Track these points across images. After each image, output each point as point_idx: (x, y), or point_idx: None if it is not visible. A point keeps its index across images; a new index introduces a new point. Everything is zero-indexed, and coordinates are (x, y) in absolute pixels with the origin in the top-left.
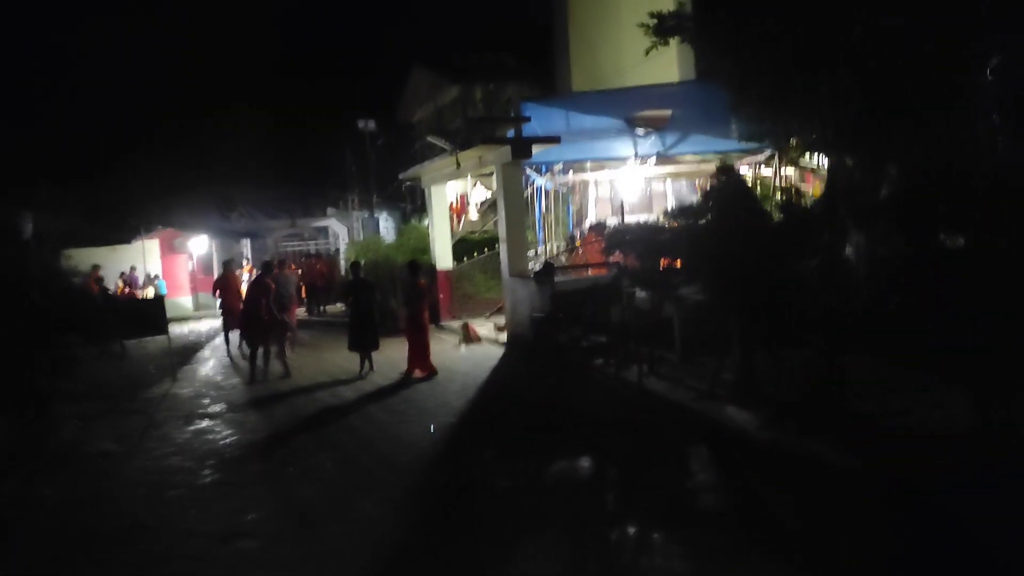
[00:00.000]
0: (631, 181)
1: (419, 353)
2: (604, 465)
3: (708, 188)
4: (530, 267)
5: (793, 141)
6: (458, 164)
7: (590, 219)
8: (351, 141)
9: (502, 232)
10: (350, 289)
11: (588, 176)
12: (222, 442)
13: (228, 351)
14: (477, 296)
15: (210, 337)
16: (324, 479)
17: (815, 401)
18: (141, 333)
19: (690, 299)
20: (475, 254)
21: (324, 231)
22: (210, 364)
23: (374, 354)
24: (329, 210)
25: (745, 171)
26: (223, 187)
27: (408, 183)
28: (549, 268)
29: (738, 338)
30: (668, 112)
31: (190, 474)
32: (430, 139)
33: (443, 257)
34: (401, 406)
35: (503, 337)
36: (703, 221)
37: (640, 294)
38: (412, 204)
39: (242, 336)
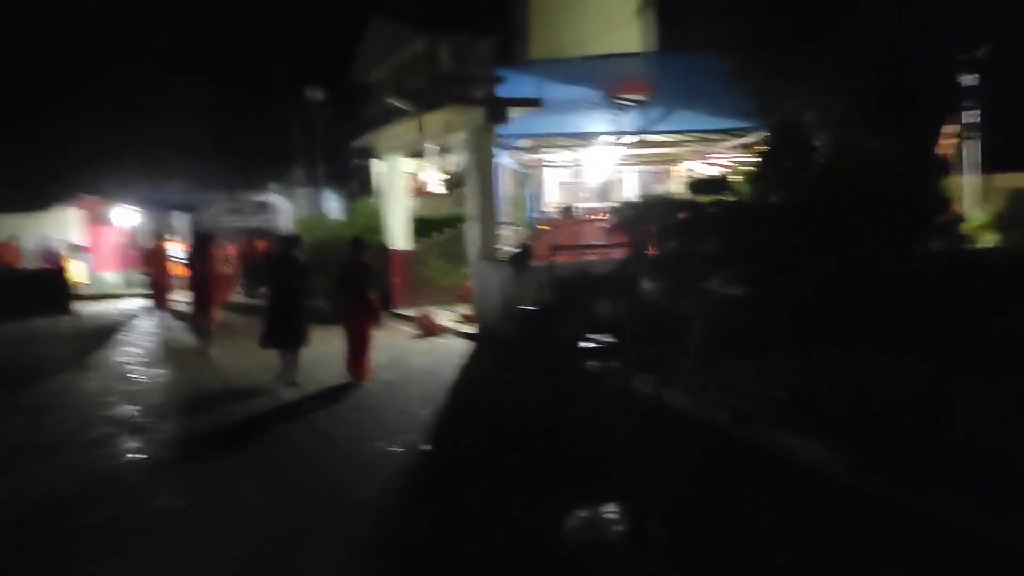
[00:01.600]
0: (599, 164)
1: (358, 349)
2: (643, 526)
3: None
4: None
5: (808, 116)
6: (421, 128)
7: (549, 204)
8: (297, 111)
9: (472, 208)
10: (274, 268)
11: (553, 155)
12: (120, 461)
13: (160, 331)
14: (435, 282)
15: (136, 317)
16: (250, 522)
17: (915, 429)
18: (40, 311)
19: (719, 293)
20: (432, 235)
21: (266, 206)
22: (128, 350)
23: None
24: (272, 185)
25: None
26: (156, 155)
27: (358, 160)
28: (526, 251)
29: (794, 340)
30: (650, 85)
31: (65, 513)
32: (389, 100)
33: (399, 236)
34: (354, 415)
35: (469, 329)
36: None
37: (649, 285)
38: (361, 182)
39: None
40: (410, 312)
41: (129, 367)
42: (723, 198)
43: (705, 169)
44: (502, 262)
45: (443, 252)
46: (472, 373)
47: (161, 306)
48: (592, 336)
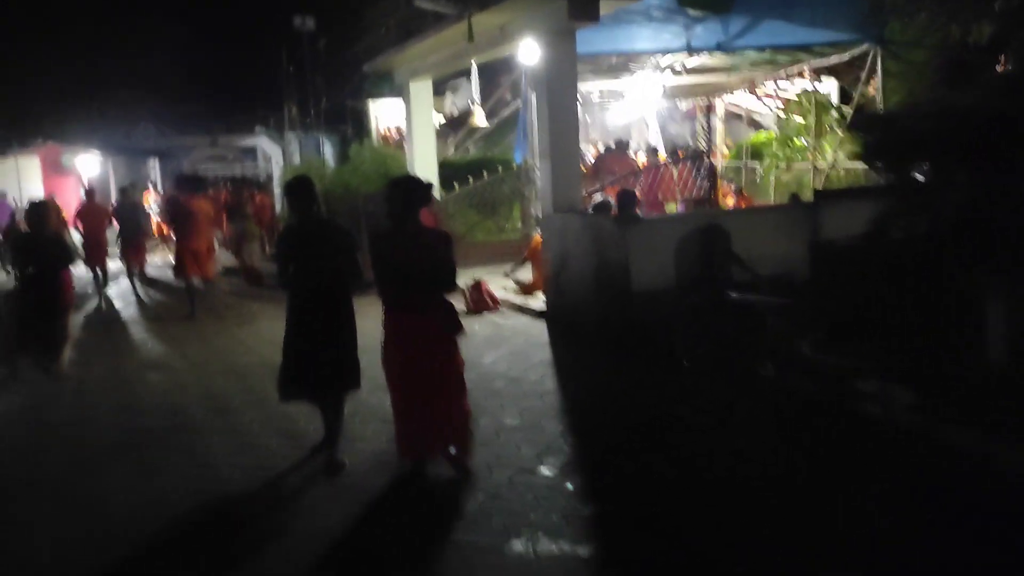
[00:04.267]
0: (641, 96)
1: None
2: None
3: None
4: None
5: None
6: (471, 35)
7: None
8: (286, 43)
9: (542, 143)
10: (292, 243)
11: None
12: None
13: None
14: (468, 240)
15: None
16: None
17: None
18: None
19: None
20: (455, 185)
21: (252, 152)
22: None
23: None
24: (257, 128)
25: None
26: (124, 96)
27: (352, 100)
28: (631, 198)
29: None
30: None
31: None
32: (420, 3)
33: None
34: (453, 495)
35: (534, 304)
36: None
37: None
38: (354, 126)
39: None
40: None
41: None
42: None
43: (750, 103)
44: (589, 215)
45: (474, 204)
46: (588, 381)
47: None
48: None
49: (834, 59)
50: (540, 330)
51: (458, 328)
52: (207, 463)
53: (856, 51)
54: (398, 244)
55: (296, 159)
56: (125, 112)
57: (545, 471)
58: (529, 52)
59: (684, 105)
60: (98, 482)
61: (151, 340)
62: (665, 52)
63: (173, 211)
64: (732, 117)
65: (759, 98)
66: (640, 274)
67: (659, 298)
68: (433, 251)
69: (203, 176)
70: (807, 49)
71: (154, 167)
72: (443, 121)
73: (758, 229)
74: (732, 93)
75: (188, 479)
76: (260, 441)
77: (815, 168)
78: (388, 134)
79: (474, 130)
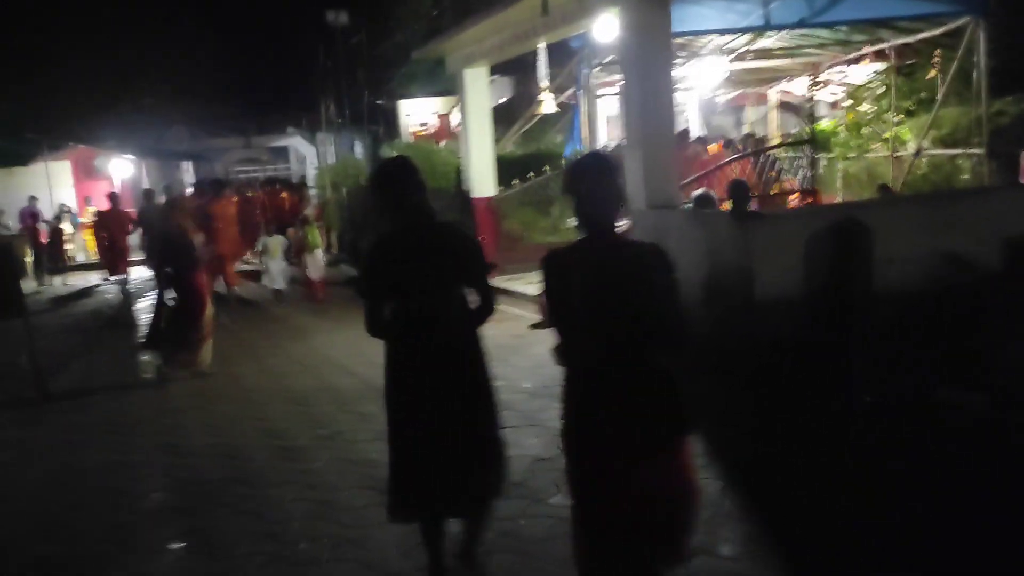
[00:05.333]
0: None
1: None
2: None
3: None
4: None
5: None
6: (546, 8)
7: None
8: (321, 40)
9: (631, 130)
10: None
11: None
12: None
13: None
14: (525, 240)
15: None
16: None
17: None
18: None
19: None
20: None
21: (284, 153)
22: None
23: None
24: (290, 129)
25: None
26: (156, 98)
27: (383, 100)
28: (744, 190)
29: None
30: None
31: None
32: None
33: (483, 179)
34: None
35: None
36: None
37: None
38: (385, 126)
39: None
40: (505, 282)
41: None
42: None
43: (807, 91)
44: (696, 212)
45: (531, 200)
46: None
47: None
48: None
49: (923, 36)
50: None
51: (690, 426)
52: (279, 532)
53: (952, 25)
54: (591, 263)
55: (331, 158)
56: (157, 115)
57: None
58: (607, 27)
59: (726, 95)
60: (140, 564)
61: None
62: (740, 31)
63: (195, 217)
64: (783, 107)
65: (817, 84)
66: (767, 282)
67: (790, 311)
68: (647, 278)
69: (223, 180)
70: (891, 25)
71: (187, 170)
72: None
73: (919, 224)
74: (789, 80)
75: (257, 557)
76: (341, 498)
77: (894, 157)
78: (419, 133)
79: (519, 125)
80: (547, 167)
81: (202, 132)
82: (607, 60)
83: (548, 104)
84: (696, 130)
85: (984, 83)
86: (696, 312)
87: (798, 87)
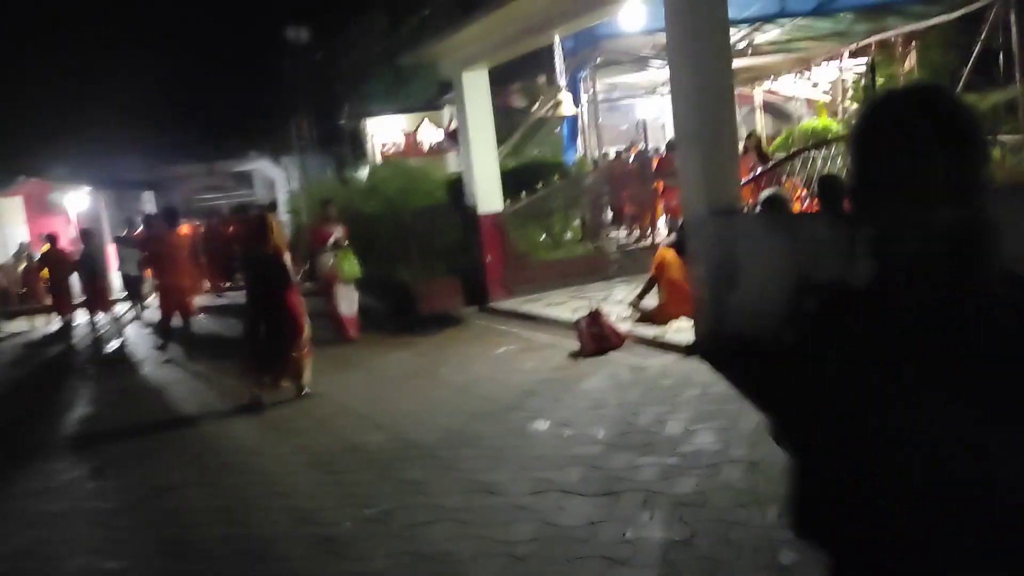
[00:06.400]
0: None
1: None
2: None
3: None
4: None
5: None
6: None
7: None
8: (283, 59)
9: (685, 124)
10: None
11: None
12: None
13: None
14: (534, 258)
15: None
16: None
17: None
18: None
19: None
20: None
21: (247, 178)
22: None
23: None
24: (252, 153)
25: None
26: (111, 127)
27: (345, 120)
28: (838, 188)
29: None
30: None
31: None
32: None
33: (488, 193)
34: None
35: (674, 336)
36: None
37: None
38: (352, 147)
39: None
40: (515, 305)
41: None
42: None
43: (794, 89)
44: (776, 216)
45: (535, 214)
46: None
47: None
48: None
49: (938, 20)
50: (695, 371)
51: None
52: None
53: (972, 7)
54: (909, 345)
55: (298, 183)
56: (113, 144)
57: None
58: (633, 13)
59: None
60: None
61: (189, 418)
62: (755, 20)
63: (149, 248)
64: (766, 108)
65: (801, 81)
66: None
67: None
68: None
69: (175, 209)
70: (901, 12)
71: (148, 200)
72: (442, 135)
73: None
74: (774, 79)
75: None
76: None
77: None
78: (387, 153)
79: (520, 134)
80: (556, 176)
81: (160, 160)
82: (599, 62)
83: (568, 106)
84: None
85: (1020, 68)
86: (779, 327)
87: (783, 86)
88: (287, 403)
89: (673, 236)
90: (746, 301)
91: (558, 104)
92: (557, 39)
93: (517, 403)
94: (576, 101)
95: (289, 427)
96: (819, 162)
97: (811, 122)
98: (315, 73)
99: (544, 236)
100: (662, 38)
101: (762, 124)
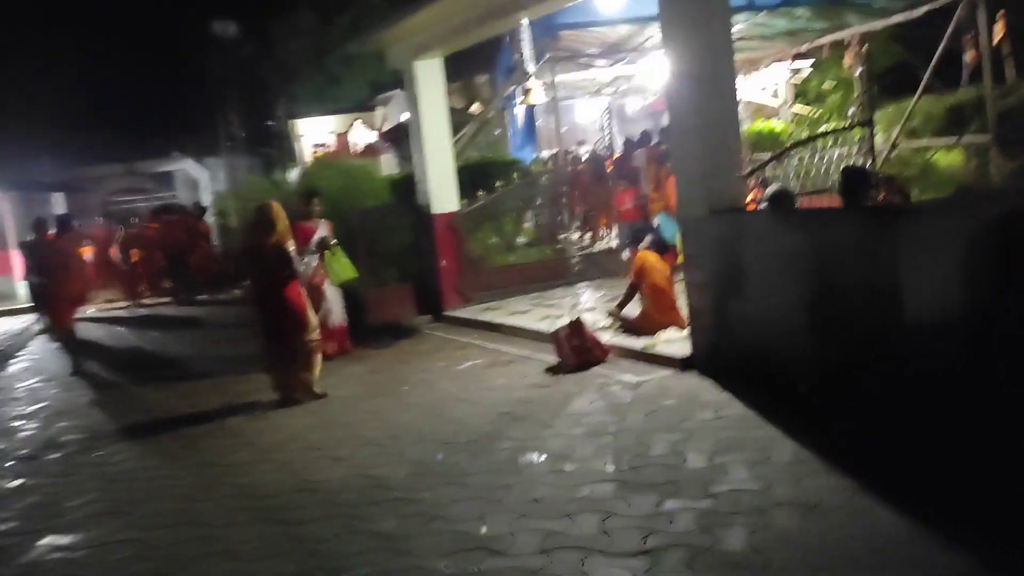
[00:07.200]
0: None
1: None
2: None
3: None
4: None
5: None
6: None
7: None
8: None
9: (681, 116)
10: None
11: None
12: None
13: None
14: (491, 262)
15: None
16: None
17: None
18: None
19: None
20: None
21: (169, 179)
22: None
23: None
24: (174, 153)
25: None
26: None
27: (274, 121)
28: (864, 178)
29: None
30: None
31: None
32: None
33: (442, 192)
34: None
35: (664, 348)
36: None
37: None
38: (279, 148)
39: None
40: (474, 314)
41: None
42: None
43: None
44: (778, 213)
45: (494, 217)
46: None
47: None
48: None
49: (897, 18)
50: (699, 389)
51: None
52: None
53: (938, 4)
54: None
55: (225, 184)
56: (21, 143)
57: None
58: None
59: (642, 101)
60: None
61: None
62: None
63: (38, 256)
64: None
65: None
66: (921, 301)
67: (954, 339)
68: None
69: (69, 216)
70: (861, 9)
71: (59, 203)
72: (375, 137)
73: None
74: None
75: None
76: None
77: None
78: (318, 154)
79: (471, 129)
80: (515, 175)
81: (74, 160)
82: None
83: (538, 94)
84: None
85: (986, 65)
86: (794, 338)
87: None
88: (221, 432)
89: (649, 238)
90: (753, 309)
91: (527, 92)
92: (526, 22)
93: (498, 430)
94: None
95: (227, 462)
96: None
97: (753, 126)
98: (242, 71)
99: (503, 239)
100: (615, 31)
101: None
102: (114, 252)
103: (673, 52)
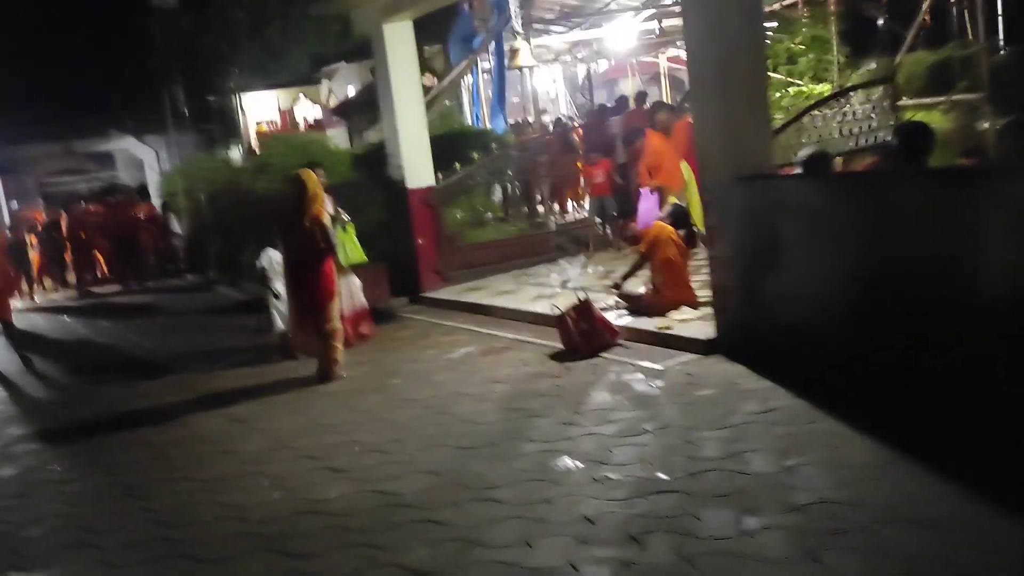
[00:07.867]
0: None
1: None
2: None
3: None
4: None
5: None
6: None
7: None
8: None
9: (700, 75)
10: None
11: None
12: None
13: None
14: (465, 239)
15: None
16: None
17: None
18: None
19: None
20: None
21: (109, 159)
22: None
23: None
24: (113, 131)
25: None
26: None
27: (216, 96)
28: (928, 137)
29: None
30: None
31: None
32: None
33: (418, 165)
34: None
35: (682, 329)
36: None
37: None
38: (222, 124)
39: None
40: (472, 293)
41: None
42: None
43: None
44: (818, 178)
45: (472, 191)
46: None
47: None
48: None
49: None
50: (734, 376)
51: None
52: None
53: None
54: None
55: (170, 163)
56: None
57: None
58: None
59: (593, 68)
60: None
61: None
62: None
63: None
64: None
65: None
66: (998, 273)
67: None
68: None
69: None
70: None
71: None
72: (320, 112)
73: None
74: (680, 45)
75: None
76: None
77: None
78: (262, 129)
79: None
80: (493, 145)
81: (3, 140)
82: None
83: (526, 55)
84: (566, 108)
85: (981, 20)
86: (841, 320)
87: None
88: (194, 438)
89: (669, 208)
90: (794, 286)
91: (515, 53)
92: None
93: (515, 429)
94: (500, 64)
95: (206, 476)
96: None
97: None
98: (183, 44)
99: (479, 214)
100: None
101: (667, 94)
102: (60, 236)
103: (694, 4)
